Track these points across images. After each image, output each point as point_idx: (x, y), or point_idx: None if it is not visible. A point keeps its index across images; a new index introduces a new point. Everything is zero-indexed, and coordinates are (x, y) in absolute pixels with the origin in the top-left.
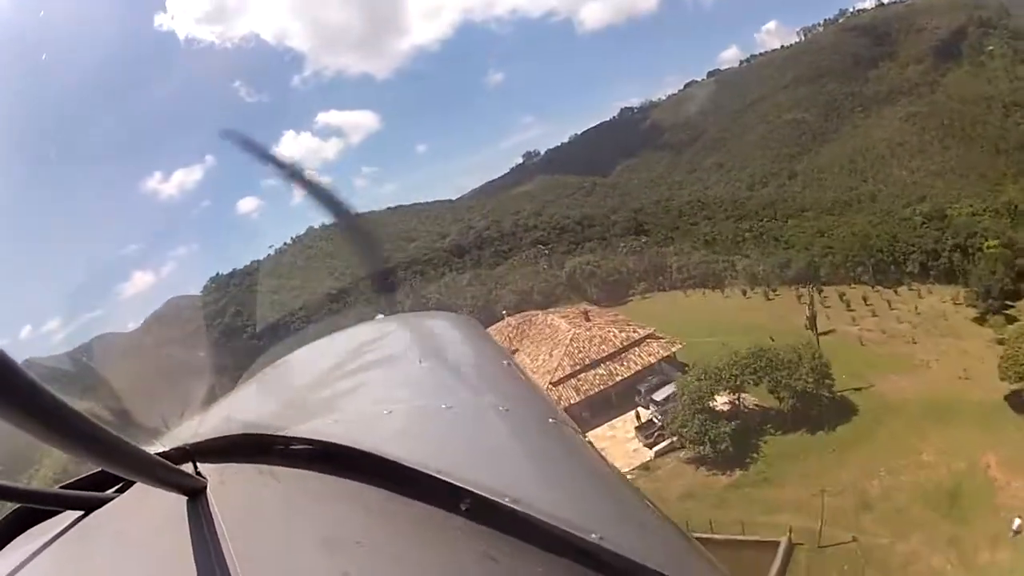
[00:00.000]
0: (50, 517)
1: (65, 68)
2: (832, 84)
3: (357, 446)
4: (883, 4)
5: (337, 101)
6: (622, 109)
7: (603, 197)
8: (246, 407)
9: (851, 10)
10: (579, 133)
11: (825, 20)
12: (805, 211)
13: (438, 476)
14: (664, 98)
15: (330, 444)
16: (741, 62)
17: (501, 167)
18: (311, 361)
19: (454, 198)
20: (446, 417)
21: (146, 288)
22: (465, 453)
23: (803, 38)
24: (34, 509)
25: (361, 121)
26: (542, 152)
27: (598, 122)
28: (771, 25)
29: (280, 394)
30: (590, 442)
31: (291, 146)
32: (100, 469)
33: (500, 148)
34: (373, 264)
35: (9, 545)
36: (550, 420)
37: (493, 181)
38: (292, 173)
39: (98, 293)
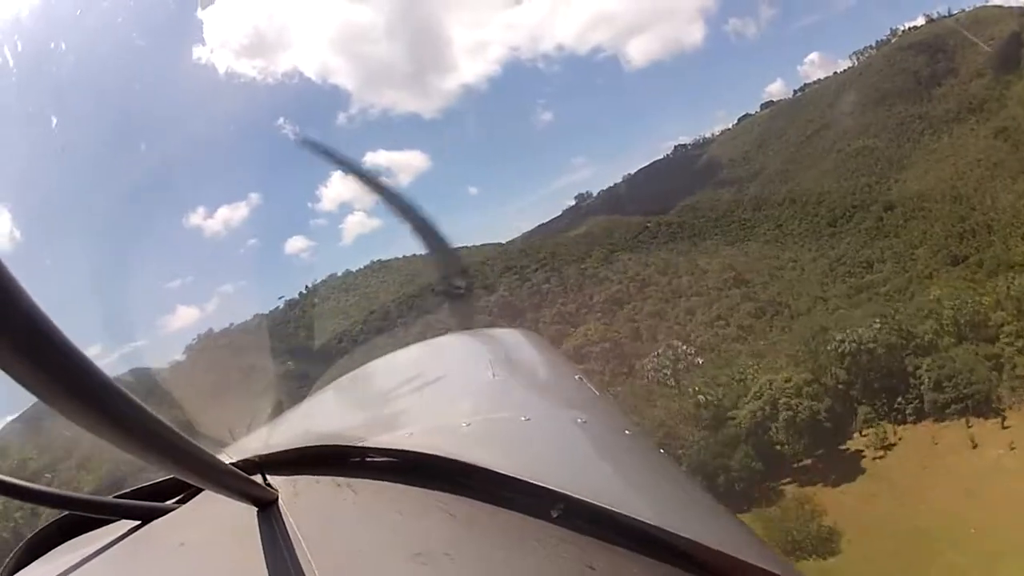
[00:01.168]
0: (100, 526)
1: (106, 103)
2: (898, 106)
3: (439, 455)
4: (932, 20)
5: (385, 141)
6: (676, 147)
7: (669, 238)
8: (315, 419)
9: (902, 29)
10: (632, 173)
11: (877, 42)
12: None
13: (529, 481)
14: (718, 133)
15: (410, 453)
16: (795, 91)
17: (553, 209)
18: (381, 374)
19: (504, 241)
20: (526, 429)
21: (192, 322)
22: (549, 462)
23: (856, 62)
24: (83, 518)
25: (410, 161)
26: (595, 193)
27: (650, 161)
28: (814, 56)
29: (350, 406)
30: (665, 452)
31: (340, 187)
32: (152, 482)
33: (551, 189)
34: (449, 274)
35: (55, 550)
36: (627, 432)
37: (546, 224)
38: (367, 179)
39: (142, 325)
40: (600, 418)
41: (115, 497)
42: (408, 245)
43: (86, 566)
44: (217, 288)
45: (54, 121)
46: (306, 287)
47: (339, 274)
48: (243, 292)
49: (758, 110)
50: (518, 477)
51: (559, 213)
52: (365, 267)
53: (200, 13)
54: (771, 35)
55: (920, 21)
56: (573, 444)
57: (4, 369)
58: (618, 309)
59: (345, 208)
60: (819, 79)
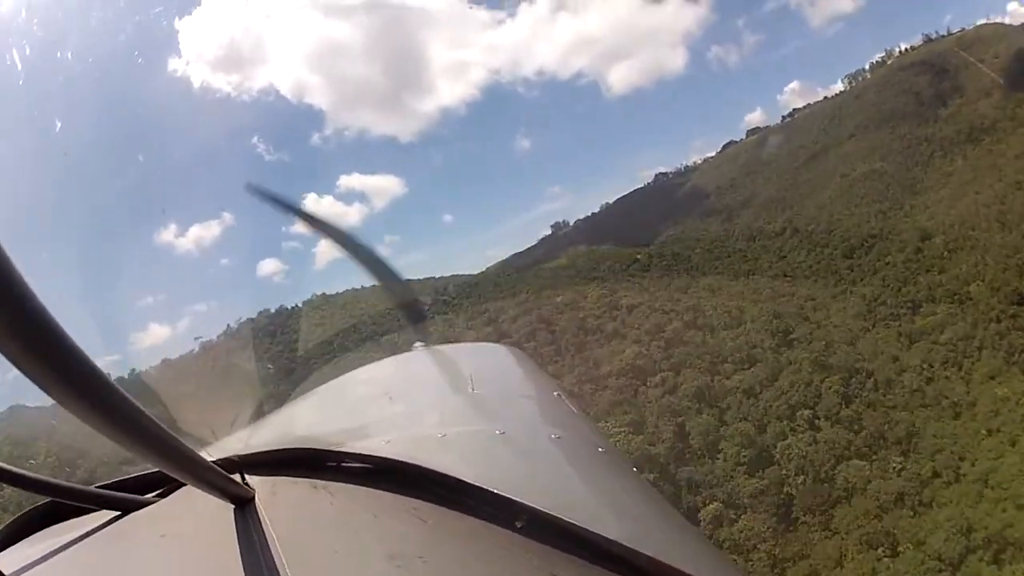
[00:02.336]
0: (82, 515)
1: (75, 114)
2: (902, 128)
3: (414, 463)
4: (931, 40)
5: (359, 164)
6: (657, 175)
7: (664, 271)
8: (295, 423)
9: (898, 51)
10: (611, 202)
11: (871, 64)
12: None
13: (498, 493)
14: (700, 162)
15: (386, 460)
16: (783, 117)
17: (528, 239)
18: (362, 383)
19: (475, 272)
20: (500, 442)
21: (163, 341)
22: (520, 476)
23: (849, 86)
24: (65, 505)
25: (385, 186)
26: (571, 222)
27: (630, 189)
28: (795, 85)
29: (330, 412)
30: (637, 470)
31: (314, 209)
32: (133, 475)
33: (527, 218)
34: (400, 296)
35: (35, 535)
36: (600, 449)
37: (521, 253)
38: (311, 220)
39: (113, 341)
40: (575, 435)
41: (97, 487)
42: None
43: (66, 552)
44: (189, 307)
45: (20, 130)
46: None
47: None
48: (215, 313)
49: (743, 137)
50: (488, 488)
51: (534, 242)
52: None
53: (177, 23)
54: (750, 65)
55: (917, 41)
56: (545, 459)
57: (5, 351)
58: (642, 386)
59: (315, 216)
60: (808, 104)
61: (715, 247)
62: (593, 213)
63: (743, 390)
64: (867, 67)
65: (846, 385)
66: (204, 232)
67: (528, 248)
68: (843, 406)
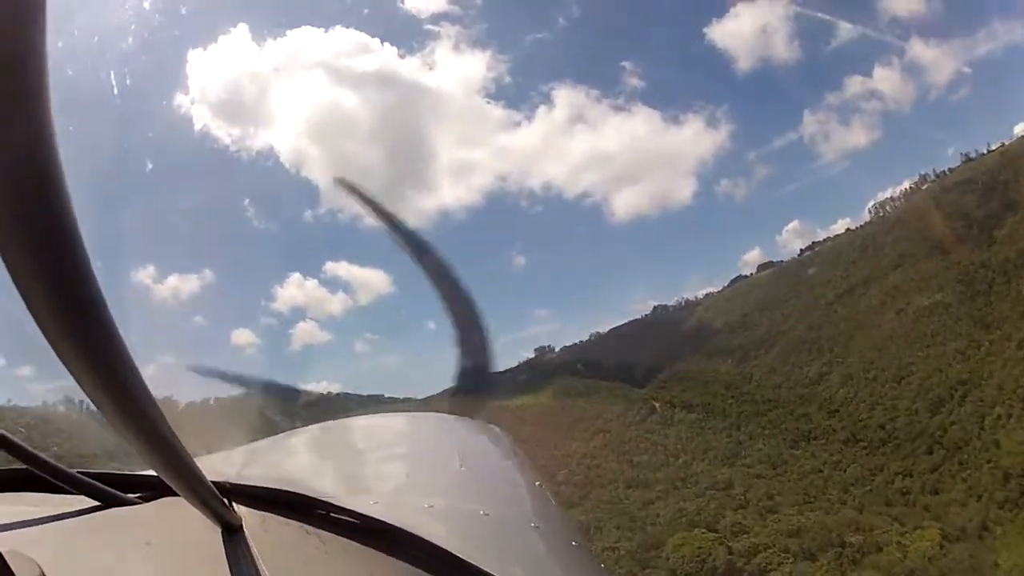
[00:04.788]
0: (55, 492)
1: (71, 130)
2: (956, 254)
3: (405, 529)
4: (970, 159)
5: (348, 252)
6: (655, 307)
7: (691, 427)
8: (286, 459)
9: (931, 174)
10: (602, 332)
11: (905, 190)
12: None
13: (482, 569)
14: (702, 296)
15: (377, 521)
16: (801, 251)
17: (509, 359)
18: (356, 433)
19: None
20: (484, 523)
21: None
22: (501, 559)
23: (874, 215)
24: (40, 478)
25: (371, 281)
26: (557, 349)
27: (624, 320)
28: (795, 224)
29: (321, 457)
30: (605, 567)
31: (296, 292)
32: (119, 471)
33: (511, 338)
34: (472, 355)
35: (8, 494)
36: (574, 543)
37: (499, 373)
38: (402, 232)
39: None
40: (552, 526)
41: (80, 472)
42: None
43: (46, 525)
44: (158, 356)
45: None
46: None
47: None
48: (182, 370)
49: (751, 273)
50: (472, 563)
51: (515, 363)
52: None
53: (189, 54)
54: (753, 201)
55: (955, 163)
56: (524, 544)
57: (45, 330)
58: None
59: (298, 314)
60: (828, 239)
61: (733, 393)
62: (581, 341)
63: None
64: (897, 194)
65: None
66: (182, 284)
67: (508, 369)
68: None
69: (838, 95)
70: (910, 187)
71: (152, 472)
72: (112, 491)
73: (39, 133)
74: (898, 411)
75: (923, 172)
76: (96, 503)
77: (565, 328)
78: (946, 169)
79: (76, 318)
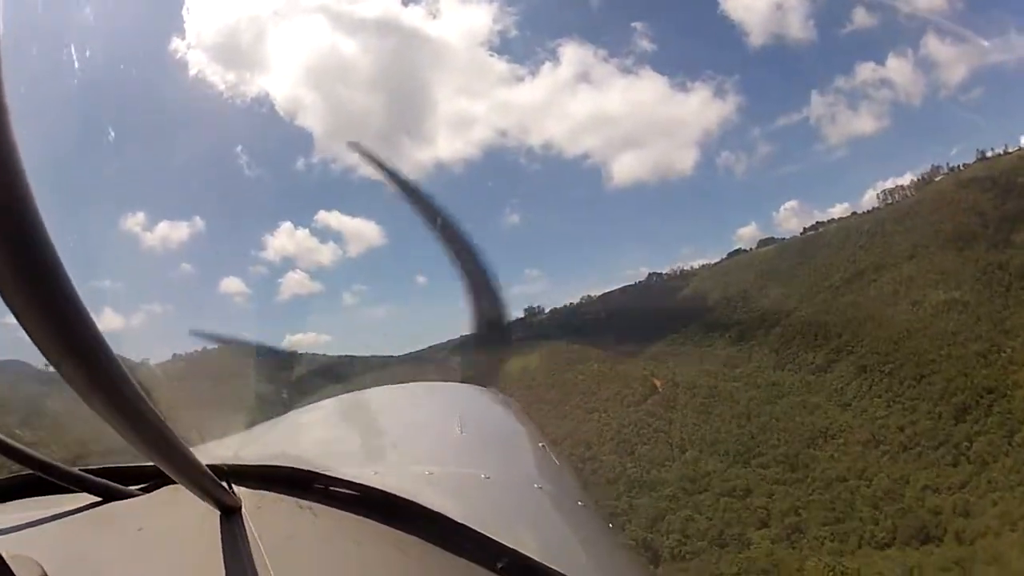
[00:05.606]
0: (59, 492)
1: (59, 80)
2: (971, 252)
3: (401, 496)
4: (986, 157)
5: (341, 202)
6: (650, 274)
7: (696, 417)
8: (286, 439)
9: (944, 168)
10: (593, 295)
11: (915, 180)
12: None
13: (481, 532)
14: (698, 267)
15: (374, 490)
16: (806, 229)
17: None
18: (357, 408)
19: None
20: (485, 486)
21: (115, 328)
22: (502, 521)
23: (884, 203)
24: (43, 479)
25: (363, 231)
26: (547, 310)
27: (611, 285)
28: (793, 204)
29: (319, 434)
30: (612, 526)
31: (286, 241)
32: (117, 465)
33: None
34: (487, 310)
35: (11, 503)
36: (579, 503)
37: None
38: (414, 195)
39: None
40: (556, 486)
41: (80, 469)
42: None
43: (45, 526)
44: (145, 304)
45: None
46: None
47: None
48: (171, 317)
49: (754, 247)
50: (471, 527)
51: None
52: None
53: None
54: (754, 177)
55: (969, 159)
56: (528, 507)
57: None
58: None
59: (288, 263)
60: (832, 220)
61: (730, 373)
62: (571, 304)
63: None
64: (908, 183)
65: None
66: (172, 231)
67: None
68: None
69: (848, 80)
70: (922, 177)
71: (151, 463)
72: (113, 485)
73: None
74: (918, 413)
75: (935, 164)
76: (97, 499)
77: (555, 289)
78: (960, 164)
79: (52, 315)
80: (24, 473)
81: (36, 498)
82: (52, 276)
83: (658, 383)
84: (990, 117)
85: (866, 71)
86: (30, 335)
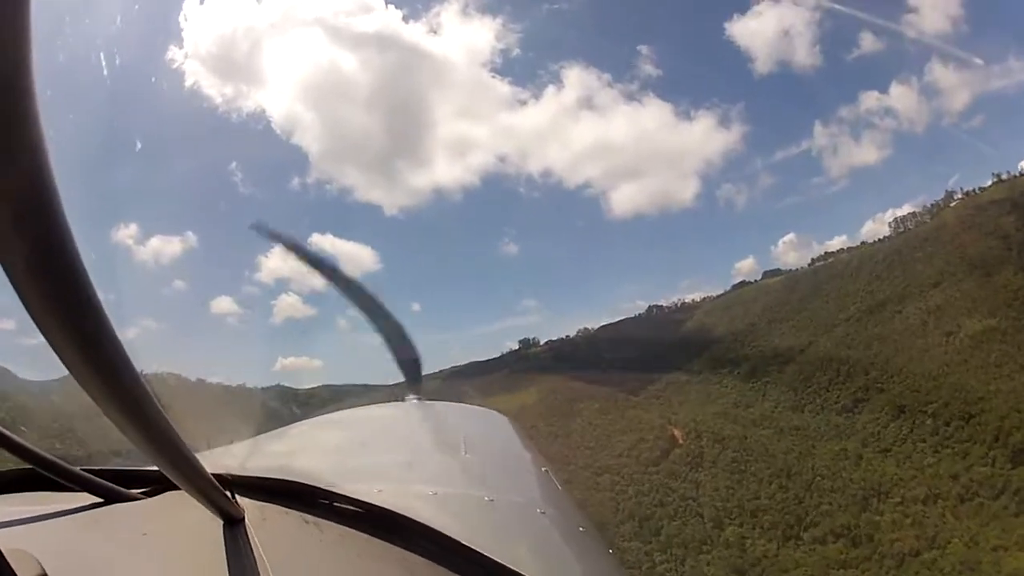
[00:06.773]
0: (60, 490)
1: (51, 78)
2: (999, 277)
3: (406, 515)
4: (1002, 180)
5: (335, 225)
6: (651, 307)
7: (728, 478)
8: (290, 451)
9: (959, 192)
10: (592, 328)
11: (928, 207)
12: None
13: (484, 555)
14: (699, 300)
15: (378, 508)
16: (813, 260)
17: (492, 349)
18: (356, 424)
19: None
20: (488, 508)
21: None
22: (505, 544)
23: (897, 231)
24: (44, 477)
25: (358, 256)
26: (542, 341)
27: (608, 319)
28: (791, 237)
29: (324, 448)
30: (613, 552)
31: (280, 263)
32: (121, 467)
33: (497, 327)
34: (401, 350)
35: (11, 495)
36: (581, 528)
37: (481, 363)
38: (317, 262)
39: None
40: (559, 512)
41: (82, 469)
42: None
43: (46, 522)
44: (138, 319)
45: None
46: None
47: None
48: (165, 334)
49: (759, 278)
50: (476, 549)
51: (498, 354)
52: None
53: (186, 6)
54: (755, 209)
55: (986, 182)
56: (530, 531)
57: (41, 326)
58: None
59: (281, 285)
60: (843, 250)
61: (746, 416)
62: (568, 336)
63: None
64: (921, 210)
65: None
66: (164, 246)
67: (489, 360)
68: None
69: (852, 108)
70: (934, 203)
71: (154, 467)
72: (115, 487)
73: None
74: (972, 458)
75: (949, 189)
76: (99, 500)
77: (552, 320)
78: (976, 188)
79: (72, 317)
80: (22, 467)
81: (35, 493)
82: (75, 280)
83: (678, 433)
84: (992, 143)
85: (870, 99)
86: (45, 335)
